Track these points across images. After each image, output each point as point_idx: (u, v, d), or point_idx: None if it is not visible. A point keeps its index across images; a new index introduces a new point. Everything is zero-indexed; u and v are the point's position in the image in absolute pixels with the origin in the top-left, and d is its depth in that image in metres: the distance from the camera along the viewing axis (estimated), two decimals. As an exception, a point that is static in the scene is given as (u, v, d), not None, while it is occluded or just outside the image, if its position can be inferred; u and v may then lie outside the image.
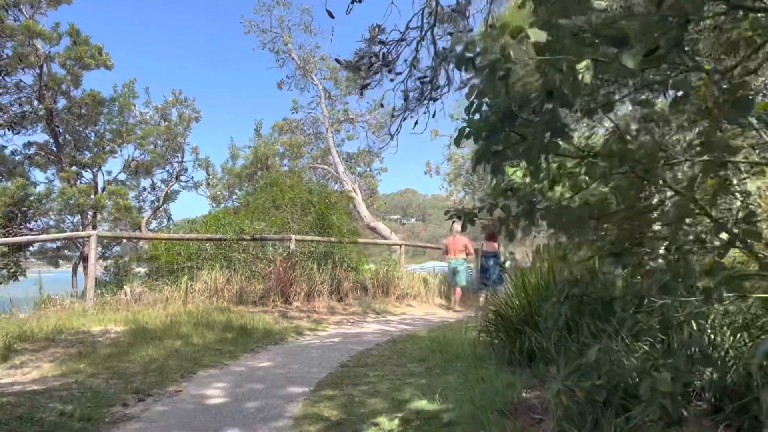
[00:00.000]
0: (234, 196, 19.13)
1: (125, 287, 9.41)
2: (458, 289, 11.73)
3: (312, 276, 10.83)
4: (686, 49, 2.12)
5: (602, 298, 3.88)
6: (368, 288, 11.98)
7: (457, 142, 3.08)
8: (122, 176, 18.66)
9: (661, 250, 3.00)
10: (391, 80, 5.58)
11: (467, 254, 11.62)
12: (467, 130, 3.29)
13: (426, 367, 5.11)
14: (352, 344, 6.78)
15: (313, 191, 12.66)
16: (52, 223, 16.59)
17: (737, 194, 2.72)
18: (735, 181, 2.65)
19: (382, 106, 5.30)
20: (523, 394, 3.92)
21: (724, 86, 2.11)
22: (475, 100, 3.12)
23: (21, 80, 16.12)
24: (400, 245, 13.39)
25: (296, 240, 11.06)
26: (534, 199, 3.49)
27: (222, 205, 19.05)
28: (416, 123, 6.56)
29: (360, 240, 12.70)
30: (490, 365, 4.80)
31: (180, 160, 17.33)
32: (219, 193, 18.66)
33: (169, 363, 5.40)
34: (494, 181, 3.90)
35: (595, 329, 3.61)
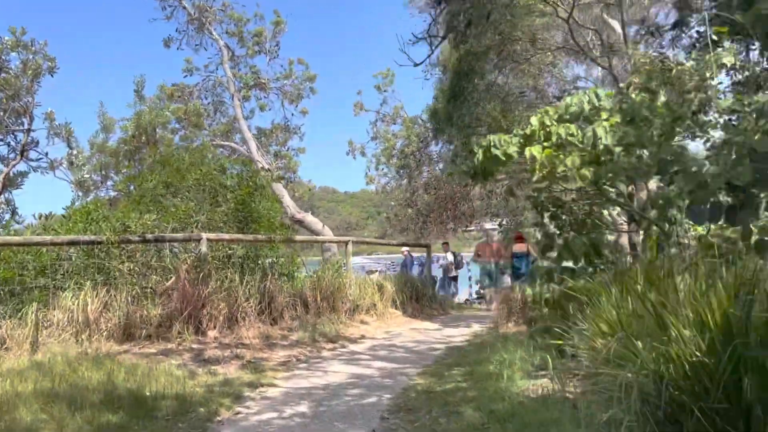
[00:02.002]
0: (110, 182, 15.32)
1: (-73, 326, 6.15)
2: (495, 292, 11.58)
3: (233, 290, 8.02)
4: None
5: None
6: (309, 302, 9.36)
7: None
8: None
9: None
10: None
11: (500, 257, 11.76)
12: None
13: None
14: (339, 421, 4.21)
15: (228, 171, 9.76)
16: None
17: None
18: None
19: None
20: None
21: None
22: None
23: None
24: (347, 242, 10.82)
25: (209, 240, 8.16)
26: None
27: (93, 195, 15.12)
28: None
29: (298, 238, 10.00)
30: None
31: (26, 128, 12.84)
32: (87, 177, 14.72)
33: None
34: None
35: None
